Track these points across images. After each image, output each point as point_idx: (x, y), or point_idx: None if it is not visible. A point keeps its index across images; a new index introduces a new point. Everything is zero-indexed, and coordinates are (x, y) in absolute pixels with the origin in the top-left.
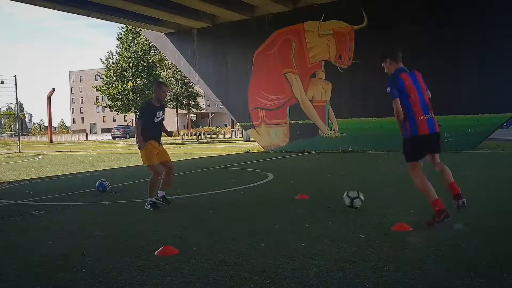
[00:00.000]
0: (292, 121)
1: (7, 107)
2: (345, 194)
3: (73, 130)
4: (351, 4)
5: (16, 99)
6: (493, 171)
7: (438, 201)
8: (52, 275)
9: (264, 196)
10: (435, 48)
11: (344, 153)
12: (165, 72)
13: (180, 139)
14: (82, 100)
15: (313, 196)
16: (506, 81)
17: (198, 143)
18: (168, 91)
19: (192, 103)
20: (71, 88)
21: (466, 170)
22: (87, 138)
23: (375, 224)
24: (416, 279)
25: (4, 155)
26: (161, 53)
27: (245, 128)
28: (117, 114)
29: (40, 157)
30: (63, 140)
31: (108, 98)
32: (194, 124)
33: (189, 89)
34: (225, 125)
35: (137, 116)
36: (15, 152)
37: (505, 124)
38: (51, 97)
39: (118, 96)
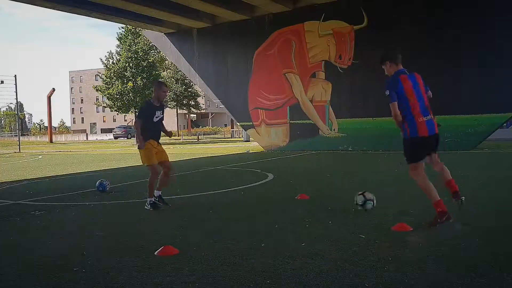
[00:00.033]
0: (292, 121)
1: (7, 107)
2: (360, 193)
3: (73, 130)
4: (351, 4)
5: (16, 99)
6: (493, 171)
7: (441, 202)
8: (52, 275)
9: (264, 196)
10: (435, 48)
11: (344, 153)
12: (165, 72)
13: (180, 139)
14: (82, 100)
15: (313, 196)
16: (506, 81)
17: (198, 143)
18: (168, 91)
19: (192, 103)
20: (71, 88)
21: (466, 170)
22: (87, 138)
23: (375, 224)
24: (416, 279)
25: (4, 155)
26: (161, 53)
27: (245, 128)
28: (117, 114)
29: (40, 157)
30: (63, 140)
31: (108, 98)
32: (194, 124)
33: (189, 89)
34: (225, 125)
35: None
36: (15, 152)
37: (505, 124)
38: (51, 97)
39: (118, 96)
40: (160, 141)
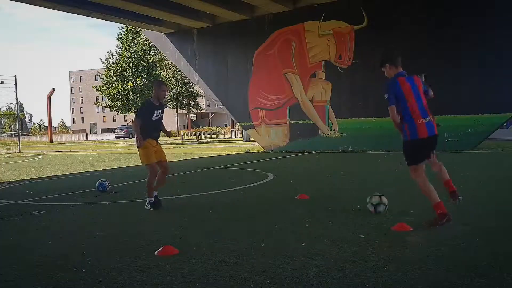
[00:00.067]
0: (292, 121)
1: (7, 107)
2: (377, 195)
3: (73, 130)
4: (351, 4)
5: (16, 99)
6: (493, 171)
7: (441, 204)
8: (52, 275)
9: (264, 196)
10: (435, 48)
11: (344, 153)
12: (165, 72)
13: (180, 139)
14: (82, 100)
15: (313, 196)
16: (506, 81)
17: (198, 143)
18: (168, 91)
19: (192, 103)
20: (71, 88)
21: (466, 170)
22: (87, 138)
23: (375, 224)
24: (416, 279)
25: (4, 155)
26: (161, 53)
27: (245, 128)
28: (117, 114)
29: (40, 157)
30: (63, 140)
31: (108, 98)
32: (194, 124)
33: (189, 89)
34: (225, 125)
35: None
36: (15, 152)
37: (505, 124)
38: (51, 97)
39: (118, 96)
40: (161, 140)
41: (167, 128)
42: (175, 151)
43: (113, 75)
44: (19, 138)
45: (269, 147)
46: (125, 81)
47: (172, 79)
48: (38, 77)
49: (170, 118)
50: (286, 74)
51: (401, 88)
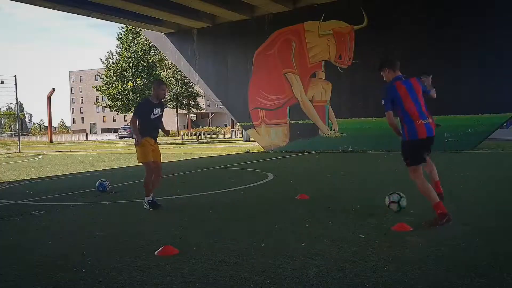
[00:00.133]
0: (292, 121)
1: (7, 107)
2: (399, 194)
3: (73, 130)
4: (351, 4)
5: (16, 99)
6: (493, 171)
7: (440, 204)
8: (52, 275)
9: (264, 196)
10: (435, 48)
11: (344, 153)
12: (165, 72)
13: (180, 139)
14: (82, 100)
15: (313, 196)
16: (506, 81)
17: (198, 143)
18: (168, 91)
19: (192, 103)
20: (71, 88)
21: (466, 170)
22: (87, 138)
23: (375, 224)
24: (416, 279)
25: (4, 155)
26: (161, 53)
27: (245, 128)
28: (117, 114)
29: (40, 157)
30: (63, 140)
31: (108, 98)
32: (194, 124)
33: (189, 89)
34: (225, 125)
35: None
36: (15, 152)
37: (505, 124)
38: (51, 97)
39: (118, 96)
40: (161, 140)
41: (167, 128)
42: (175, 151)
43: (113, 75)
44: (19, 138)
45: (269, 147)
46: (125, 81)
47: (172, 79)
48: (38, 77)
49: (170, 118)
50: (286, 74)
51: (398, 92)
